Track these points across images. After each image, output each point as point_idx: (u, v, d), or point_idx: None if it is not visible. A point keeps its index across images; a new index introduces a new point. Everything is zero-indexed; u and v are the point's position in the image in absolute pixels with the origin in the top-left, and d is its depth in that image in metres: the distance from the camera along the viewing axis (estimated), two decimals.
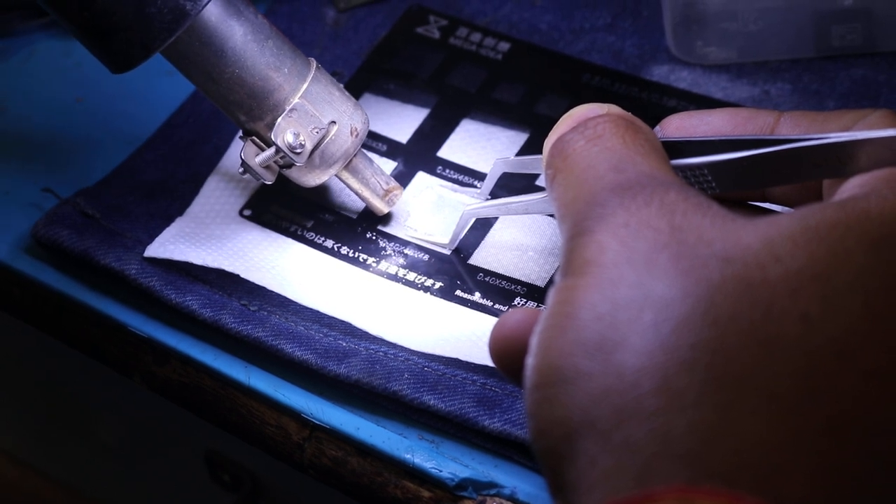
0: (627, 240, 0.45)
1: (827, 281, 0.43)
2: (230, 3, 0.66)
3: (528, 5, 0.81)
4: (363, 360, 0.65)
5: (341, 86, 0.70)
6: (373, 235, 0.71)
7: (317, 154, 0.69)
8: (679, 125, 0.57)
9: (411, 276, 0.69)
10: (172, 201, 0.74)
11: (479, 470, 0.63)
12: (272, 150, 0.68)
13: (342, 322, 0.68)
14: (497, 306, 0.67)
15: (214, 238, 0.72)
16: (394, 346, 0.66)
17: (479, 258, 0.70)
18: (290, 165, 0.69)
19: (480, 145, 0.74)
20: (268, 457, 0.67)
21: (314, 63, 0.69)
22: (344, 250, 0.71)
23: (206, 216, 0.73)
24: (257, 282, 0.69)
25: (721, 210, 0.46)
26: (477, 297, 0.68)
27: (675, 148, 0.55)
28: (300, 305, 0.68)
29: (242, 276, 0.70)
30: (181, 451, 0.84)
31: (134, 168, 0.75)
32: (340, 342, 0.66)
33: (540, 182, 0.71)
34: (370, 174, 0.71)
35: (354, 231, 0.72)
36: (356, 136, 0.69)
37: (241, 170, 0.69)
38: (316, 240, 0.72)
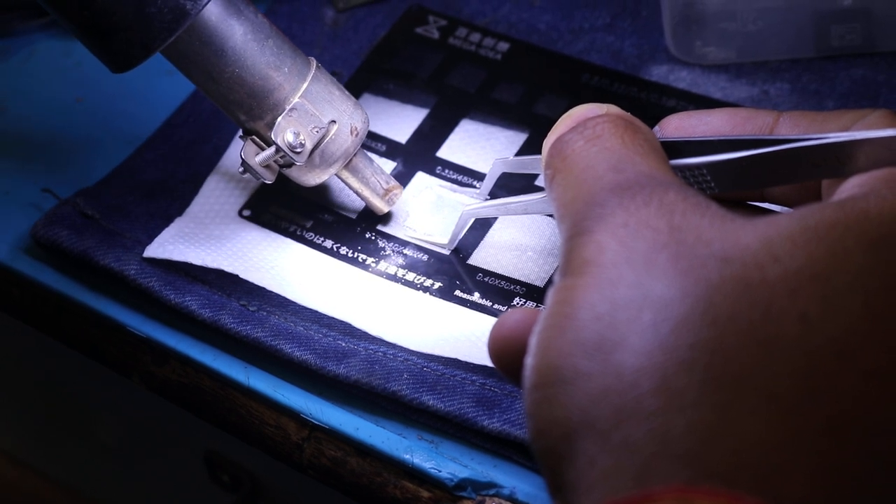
0: (626, 240, 0.45)
1: (826, 281, 0.43)
2: (230, 2, 0.66)
3: (527, 5, 0.81)
4: (362, 360, 0.65)
5: (341, 85, 0.70)
6: (372, 235, 0.71)
7: (317, 153, 0.69)
8: (678, 125, 0.57)
9: (410, 276, 0.69)
10: (172, 201, 0.74)
11: (478, 470, 0.63)
12: (272, 149, 0.68)
13: (341, 322, 0.68)
14: (496, 306, 0.67)
15: (214, 238, 0.72)
16: (393, 346, 0.66)
17: (478, 258, 0.70)
18: (290, 165, 0.69)
19: (480, 145, 0.74)
20: (267, 457, 0.67)
21: (314, 62, 0.69)
22: (343, 250, 0.71)
23: (205, 216, 0.73)
24: (256, 282, 0.69)
25: (720, 210, 0.46)
26: (476, 297, 0.68)
27: (674, 148, 0.55)
28: (299, 306, 0.68)
29: (242, 276, 0.70)
30: (180, 452, 0.84)
31: (133, 168, 0.75)
32: (340, 342, 0.66)
33: (539, 182, 0.71)
34: (370, 173, 0.71)
35: (354, 231, 0.72)
36: (356, 135, 0.69)
37: (241, 169, 0.69)
38: (315, 240, 0.72)
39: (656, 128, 0.57)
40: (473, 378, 0.64)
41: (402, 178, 0.73)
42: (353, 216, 0.72)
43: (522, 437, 0.62)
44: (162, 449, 0.87)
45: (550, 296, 0.46)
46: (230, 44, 0.66)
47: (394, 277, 0.69)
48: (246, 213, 0.73)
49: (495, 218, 0.71)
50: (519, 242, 0.70)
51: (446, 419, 0.63)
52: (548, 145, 0.52)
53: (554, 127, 0.53)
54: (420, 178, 0.73)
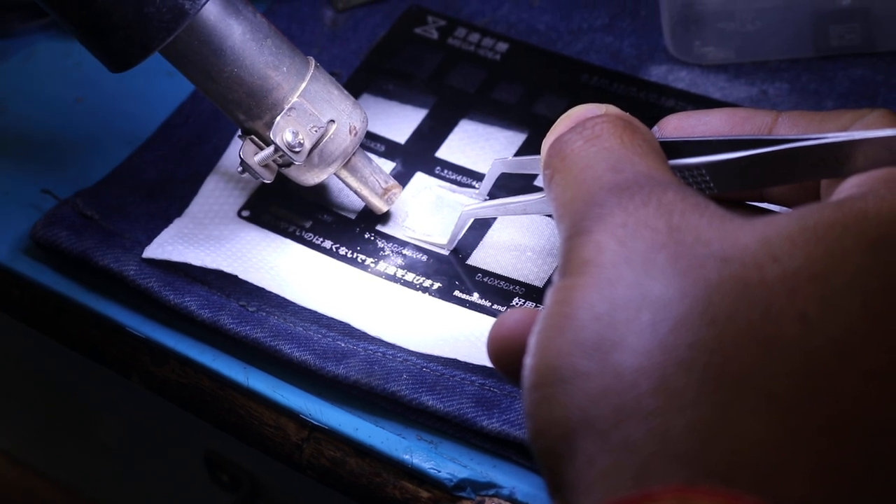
0: (625, 240, 0.45)
1: (825, 281, 0.43)
2: (229, 2, 0.66)
3: (526, 6, 0.81)
4: (362, 360, 0.65)
5: (340, 85, 0.70)
6: (371, 236, 0.71)
7: (315, 153, 0.69)
8: (677, 125, 0.57)
9: (410, 276, 0.69)
10: (171, 202, 0.74)
11: (477, 470, 0.63)
12: (271, 148, 0.68)
13: (341, 323, 0.68)
14: (495, 306, 0.67)
15: (213, 239, 0.72)
16: (392, 346, 0.66)
17: (477, 258, 0.70)
18: (288, 164, 0.69)
19: (479, 145, 0.74)
20: (266, 457, 0.68)
21: (313, 62, 0.69)
22: (342, 251, 0.71)
23: (204, 217, 0.73)
24: (256, 282, 0.70)
25: (719, 210, 0.46)
26: (475, 297, 0.68)
27: (674, 148, 0.55)
28: (299, 306, 0.68)
29: (241, 276, 0.70)
30: (180, 452, 0.84)
31: (133, 168, 0.75)
32: (339, 343, 0.66)
33: (538, 182, 0.71)
34: (369, 173, 0.71)
35: (353, 231, 0.72)
36: (355, 134, 0.69)
37: (239, 168, 0.69)
38: (314, 240, 0.72)
39: (655, 128, 0.57)
40: (473, 378, 0.64)
41: (402, 178, 0.73)
42: (353, 216, 0.72)
43: (522, 437, 0.62)
44: (161, 449, 0.87)
45: (549, 296, 0.46)
46: (229, 43, 0.67)
47: (393, 278, 0.69)
48: (245, 213, 0.73)
49: (494, 218, 0.71)
50: (518, 243, 0.70)
51: (446, 419, 0.63)
52: (547, 145, 0.53)
53: (553, 127, 0.53)
54: (419, 178, 0.73)
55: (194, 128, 0.77)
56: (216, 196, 0.74)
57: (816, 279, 0.43)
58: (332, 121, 0.68)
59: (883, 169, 0.48)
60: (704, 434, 0.41)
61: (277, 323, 0.67)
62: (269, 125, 0.67)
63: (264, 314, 0.68)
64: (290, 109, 0.67)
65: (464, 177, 0.73)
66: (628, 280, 0.44)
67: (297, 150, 0.68)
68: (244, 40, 0.67)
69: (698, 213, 0.45)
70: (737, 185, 0.53)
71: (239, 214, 0.73)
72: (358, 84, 0.78)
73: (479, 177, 0.73)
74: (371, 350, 0.65)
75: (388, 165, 0.74)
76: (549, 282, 0.68)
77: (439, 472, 0.63)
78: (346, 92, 0.70)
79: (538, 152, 0.55)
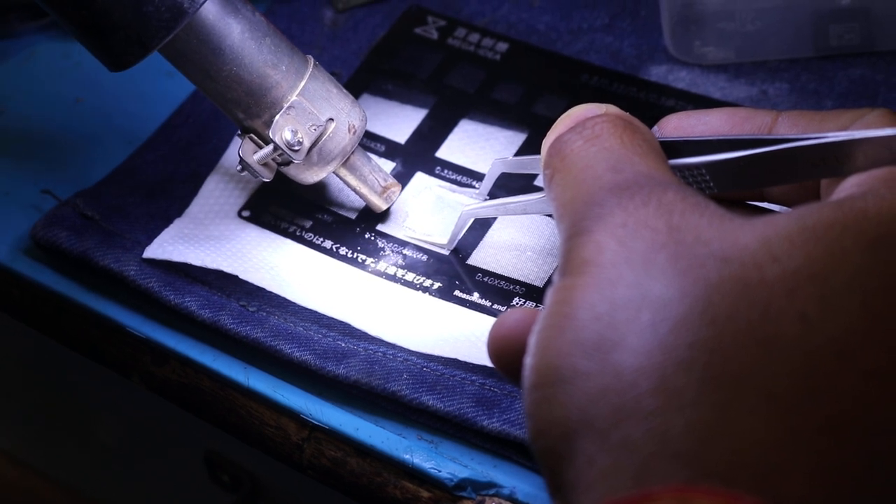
0: (625, 240, 0.45)
1: (825, 281, 0.43)
2: (227, 1, 0.66)
3: (526, 6, 0.81)
4: (362, 360, 0.65)
5: (339, 83, 0.70)
6: (371, 236, 0.71)
7: (315, 151, 0.69)
8: (677, 125, 0.57)
9: (410, 276, 0.69)
10: (171, 202, 0.74)
11: (478, 470, 0.63)
12: (270, 147, 0.68)
13: (341, 322, 0.68)
14: (495, 306, 0.68)
15: (213, 239, 0.72)
16: (392, 346, 0.66)
17: (477, 258, 0.70)
18: (288, 163, 0.69)
19: (479, 145, 0.74)
20: (267, 457, 0.68)
21: (311, 60, 0.69)
22: (343, 251, 0.71)
23: (204, 217, 0.73)
24: (256, 282, 0.70)
25: (719, 210, 0.46)
26: (475, 297, 0.68)
27: (674, 148, 0.55)
28: (299, 306, 0.68)
29: (241, 276, 0.70)
30: (180, 452, 0.84)
31: (133, 169, 0.75)
32: (339, 343, 0.66)
33: (538, 182, 0.71)
34: (368, 171, 0.71)
35: (353, 231, 0.72)
36: (354, 133, 0.69)
37: (239, 167, 0.69)
38: (315, 240, 0.72)
39: (655, 128, 0.57)
40: (473, 378, 0.64)
41: (402, 178, 0.73)
42: (353, 216, 0.72)
43: (522, 436, 0.62)
44: (162, 449, 0.87)
45: (549, 296, 0.46)
46: (227, 42, 0.67)
47: (393, 277, 0.69)
48: (245, 213, 0.73)
49: (494, 218, 0.71)
50: (518, 242, 0.70)
51: (446, 419, 0.63)
52: (547, 145, 0.53)
53: (553, 127, 0.53)
54: (419, 178, 0.73)
55: (194, 128, 0.77)
56: (216, 196, 0.74)
57: (816, 279, 0.43)
58: (331, 119, 0.68)
59: (883, 168, 0.48)
60: (704, 434, 0.41)
61: (278, 323, 0.67)
62: (268, 124, 0.67)
63: (265, 314, 0.68)
64: (289, 108, 0.67)
65: (464, 177, 0.73)
66: (628, 280, 0.44)
67: (297, 148, 0.68)
68: (243, 39, 0.67)
69: (698, 212, 0.45)
70: (737, 184, 0.53)
71: (239, 214, 0.73)
72: (358, 84, 0.78)
73: (479, 177, 0.73)
74: (371, 350, 0.66)
75: (388, 165, 0.74)
76: (549, 281, 0.68)
77: (440, 471, 0.63)
78: (344, 90, 0.70)
79: (538, 152, 0.55)
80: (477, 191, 0.72)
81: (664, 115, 0.58)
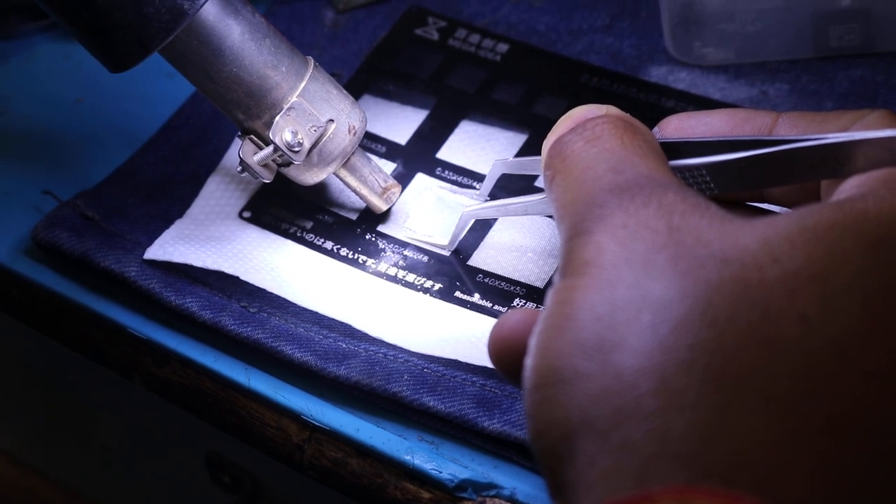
0: (626, 241, 0.45)
1: (825, 282, 0.43)
2: (228, 2, 0.66)
3: (526, 6, 0.81)
4: (363, 361, 0.65)
5: (339, 84, 0.70)
6: (372, 237, 0.71)
7: (315, 152, 0.69)
8: (677, 126, 0.57)
9: (411, 277, 0.69)
10: (172, 203, 0.74)
11: (478, 471, 0.63)
12: (270, 148, 0.68)
13: (342, 324, 0.68)
14: (496, 307, 0.68)
15: (214, 240, 0.72)
16: (393, 347, 0.66)
17: (478, 259, 0.70)
18: (288, 164, 0.69)
19: (479, 146, 0.75)
20: (268, 458, 0.68)
21: (312, 61, 0.69)
22: (343, 252, 0.71)
23: (205, 218, 0.73)
24: (257, 283, 0.70)
25: (719, 211, 0.46)
26: (476, 298, 0.68)
27: (674, 149, 0.55)
28: (300, 307, 0.68)
29: (242, 277, 0.70)
30: (181, 453, 0.84)
31: (134, 169, 0.76)
32: (340, 344, 0.66)
33: (539, 183, 0.71)
34: (368, 172, 0.71)
35: (354, 232, 0.72)
36: (354, 134, 0.69)
37: (239, 168, 0.69)
38: (315, 241, 0.72)
39: (655, 129, 0.57)
40: (474, 379, 0.64)
41: (402, 179, 0.73)
42: (353, 217, 0.72)
43: (523, 437, 0.62)
44: (163, 450, 0.87)
45: (550, 296, 0.46)
46: (228, 43, 0.67)
47: (394, 279, 0.70)
48: (246, 214, 0.73)
49: (495, 219, 0.71)
50: (519, 243, 0.70)
51: (447, 420, 0.63)
52: (547, 146, 0.53)
53: (553, 128, 0.53)
54: (420, 179, 0.73)
55: (195, 129, 0.77)
56: (217, 197, 0.74)
57: (816, 280, 0.43)
58: (332, 120, 0.69)
59: (883, 169, 0.48)
60: (705, 435, 0.41)
61: (279, 324, 0.67)
62: (269, 125, 0.68)
63: (265, 315, 0.68)
64: (289, 109, 0.67)
65: (464, 178, 0.73)
66: (629, 281, 0.44)
67: (297, 149, 0.68)
68: (243, 40, 0.67)
69: (698, 213, 0.45)
70: (737, 185, 0.53)
71: (240, 215, 0.73)
72: (358, 85, 0.78)
73: (479, 178, 0.73)
74: (372, 351, 0.66)
75: (388, 166, 0.74)
76: (549, 282, 0.68)
77: (440, 472, 0.63)
78: (344, 91, 0.70)
79: (539, 153, 0.55)
80: (478, 192, 0.72)
81: (664, 115, 0.58)
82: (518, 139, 0.74)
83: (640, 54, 0.77)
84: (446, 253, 0.70)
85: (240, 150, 0.68)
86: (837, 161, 0.50)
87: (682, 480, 0.40)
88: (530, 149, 0.74)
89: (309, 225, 0.72)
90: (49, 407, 0.93)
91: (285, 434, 0.66)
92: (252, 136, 0.68)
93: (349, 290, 0.69)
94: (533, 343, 0.45)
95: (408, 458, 0.63)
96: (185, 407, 0.70)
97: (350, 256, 0.71)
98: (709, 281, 0.43)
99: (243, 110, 0.68)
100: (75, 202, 0.73)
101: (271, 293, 0.69)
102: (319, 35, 0.81)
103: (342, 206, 0.73)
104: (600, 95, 0.75)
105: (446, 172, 0.74)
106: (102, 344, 0.71)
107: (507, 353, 0.50)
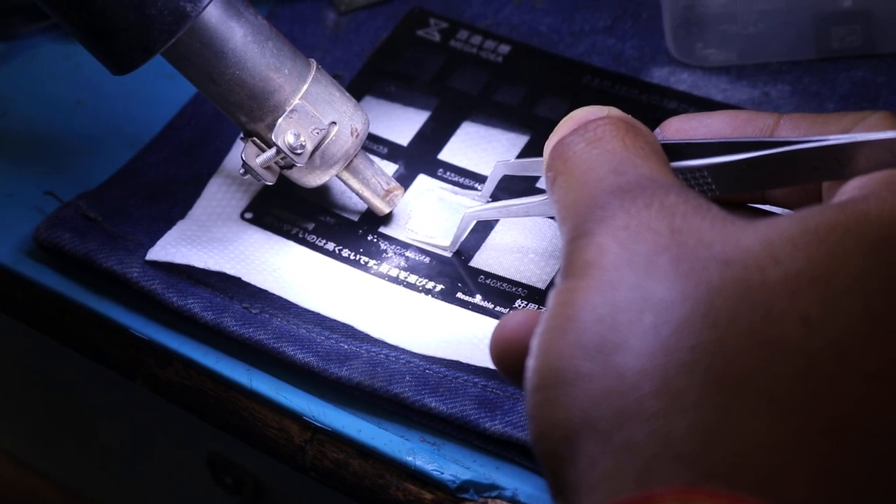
0: (627, 242, 0.45)
1: (826, 283, 0.43)
2: (230, 4, 0.66)
3: (528, 8, 0.81)
4: (365, 362, 0.65)
5: (341, 87, 0.70)
6: (374, 238, 0.71)
7: (317, 155, 0.69)
8: (679, 127, 0.57)
9: (412, 278, 0.69)
10: (174, 204, 0.74)
11: (480, 472, 0.63)
12: (273, 150, 0.68)
13: (344, 325, 0.68)
14: (498, 308, 0.68)
15: (216, 241, 0.72)
16: (395, 348, 0.66)
17: (479, 260, 0.70)
18: (290, 166, 0.69)
19: (481, 148, 0.75)
20: (270, 459, 0.68)
21: (314, 64, 0.69)
22: (345, 253, 0.71)
23: (207, 219, 0.73)
24: (259, 285, 0.70)
25: (721, 212, 0.46)
26: (478, 299, 0.68)
27: (675, 150, 0.55)
28: (302, 308, 0.69)
29: (244, 279, 0.70)
30: (183, 454, 0.84)
31: (136, 171, 0.76)
32: (342, 345, 0.66)
33: (540, 184, 0.71)
34: (371, 174, 0.71)
35: (356, 233, 0.72)
36: (356, 136, 0.69)
37: (241, 170, 0.69)
38: (317, 242, 0.72)
39: (657, 130, 0.57)
40: (475, 380, 0.64)
41: (404, 180, 0.73)
42: (355, 218, 0.72)
43: (524, 438, 0.62)
44: (165, 451, 0.88)
45: (552, 298, 0.46)
46: (230, 45, 0.67)
47: (396, 280, 0.70)
48: (248, 215, 0.73)
49: (497, 220, 0.71)
50: (520, 245, 0.70)
51: (448, 421, 0.63)
52: (549, 148, 0.53)
53: (555, 129, 0.53)
54: (422, 180, 0.74)
55: (197, 130, 0.77)
56: (219, 198, 0.74)
57: (818, 281, 0.43)
58: (334, 123, 0.69)
59: (884, 171, 0.48)
60: (706, 436, 0.41)
61: (280, 325, 0.67)
62: (271, 127, 0.68)
63: (267, 316, 0.68)
64: (291, 111, 0.67)
65: (466, 179, 0.73)
66: (630, 282, 0.44)
67: (299, 152, 0.68)
68: (246, 42, 0.67)
69: (700, 215, 0.45)
70: (738, 187, 0.53)
71: (242, 216, 0.73)
72: (360, 86, 0.78)
73: (481, 179, 0.73)
74: (374, 352, 0.66)
75: (390, 168, 0.74)
76: (551, 284, 0.68)
77: (442, 473, 0.63)
78: (347, 94, 0.70)
79: (540, 154, 0.55)
80: (479, 193, 0.72)
81: (666, 117, 0.58)
82: (520, 140, 0.75)
83: (642, 55, 0.77)
84: (448, 254, 0.70)
85: (242, 153, 0.68)
86: (839, 163, 0.50)
87: (684, 481, 0.40)
88: (532, 150, 0.74)
89: (311, 226, 0.72)
90: (50, 407, 0.93)
91: (287, 435, 0.66)
92: (254, 139, 0.68)
93: (351, 292, 0.69)
94: (535, 344, 0.45)
95: (410, 459, 0.63)
96: (187, 408, 0.70)
97: (352, 258, 0.71)
98: (710, 282, 0.43)
99: (246, 112, 0.68)
100: (77, 203, 0.73)
101: (273, 294, 0.69)
102: (321, 36, 0.81)
103: (344, 208, 0.73)
104: (602, 97, 0.76)
105: (448, 174, 0.74)
106: (104, 345, 0.71)
107: (508, 354, 0.50)
